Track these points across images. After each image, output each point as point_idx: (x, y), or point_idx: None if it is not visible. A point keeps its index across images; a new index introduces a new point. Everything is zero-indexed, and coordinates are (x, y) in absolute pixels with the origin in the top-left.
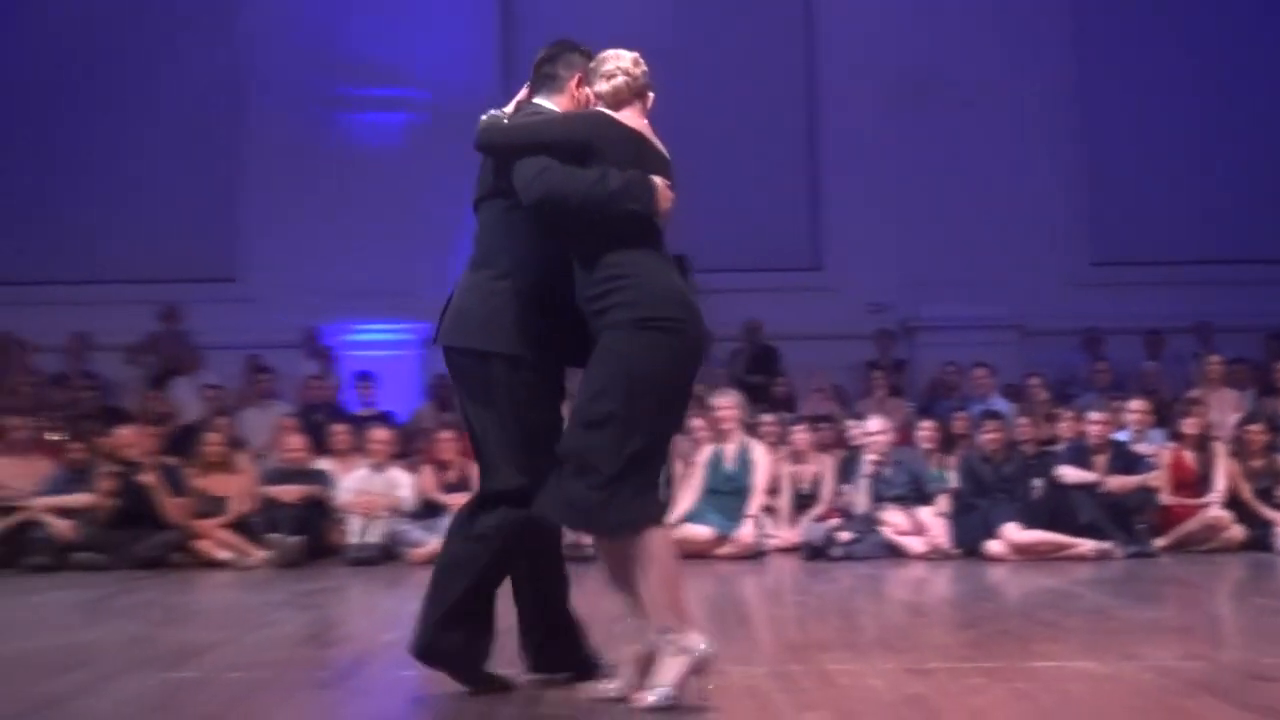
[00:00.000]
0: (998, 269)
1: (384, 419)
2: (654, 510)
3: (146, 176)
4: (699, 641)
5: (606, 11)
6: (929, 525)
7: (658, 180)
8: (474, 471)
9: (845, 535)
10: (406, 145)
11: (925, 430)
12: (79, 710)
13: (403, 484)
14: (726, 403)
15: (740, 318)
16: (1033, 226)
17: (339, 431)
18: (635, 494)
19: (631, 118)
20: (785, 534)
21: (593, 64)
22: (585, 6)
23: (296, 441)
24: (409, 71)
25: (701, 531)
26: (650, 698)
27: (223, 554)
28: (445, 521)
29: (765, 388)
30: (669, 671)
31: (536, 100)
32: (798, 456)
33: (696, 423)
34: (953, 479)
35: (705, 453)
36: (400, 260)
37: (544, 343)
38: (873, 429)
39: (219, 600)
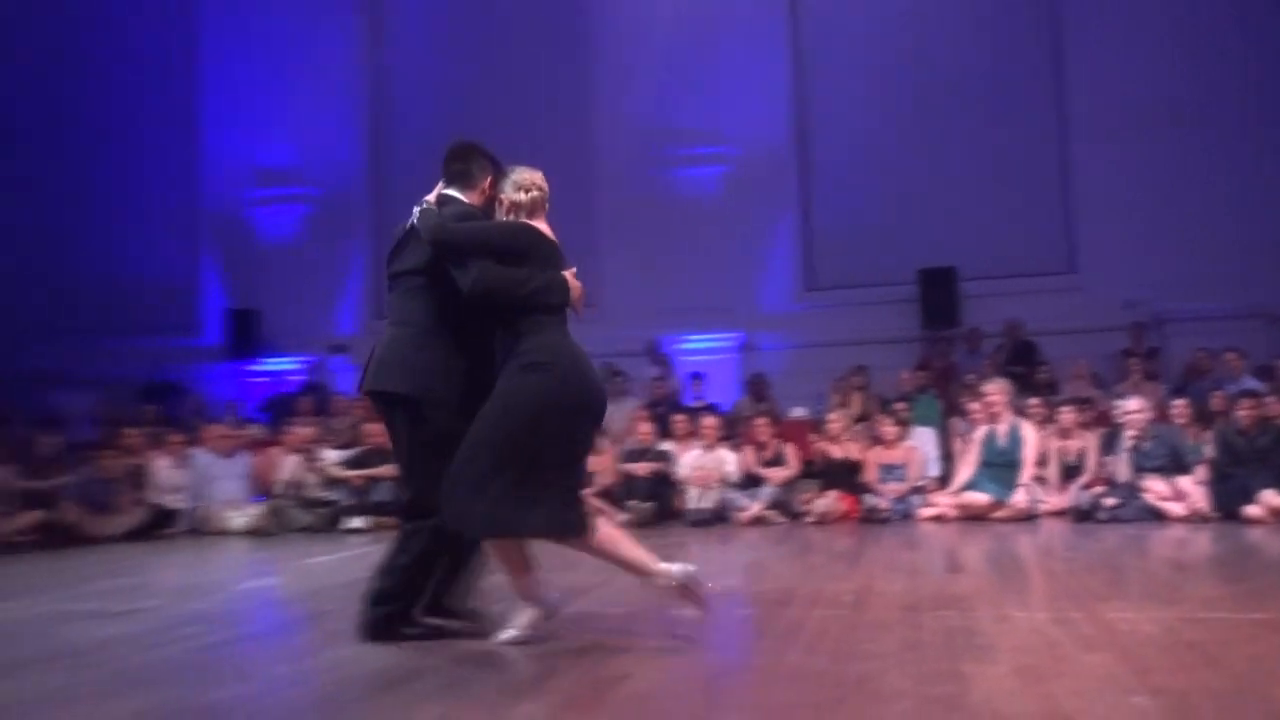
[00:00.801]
0: (1241, 264)
1: (712, 409)
2: (501, 519)
3: None
4: (533, 609)
5: (881, 72)
6: (1189, 491)
7: (573, 282)
8: (787, 450)
9: (1110, 500)
10: (721, 192)
11: (1179, 408)
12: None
13: (729, 460)
14: (995, 389)
15: (1002, 318)
16: (1271, 224)
17: (679, 420)
18: (494, 503)
19: (542, 224)
20: (1055, 500)
21: (511, 175)
22: (863, 68)
23: (646, 428)
24: (721, 133)
25: (980, 498)
26: (505, 635)
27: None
28: (765, 491)
29: (1028, 376)
30: (520, 618)
31: (449, 192)
32: (1064, 433)
33: (972, 406)
34: (1208, 451)
35: (980, 432)
36: (719, 283)
37: (456, 384)
38: (1132, 408)
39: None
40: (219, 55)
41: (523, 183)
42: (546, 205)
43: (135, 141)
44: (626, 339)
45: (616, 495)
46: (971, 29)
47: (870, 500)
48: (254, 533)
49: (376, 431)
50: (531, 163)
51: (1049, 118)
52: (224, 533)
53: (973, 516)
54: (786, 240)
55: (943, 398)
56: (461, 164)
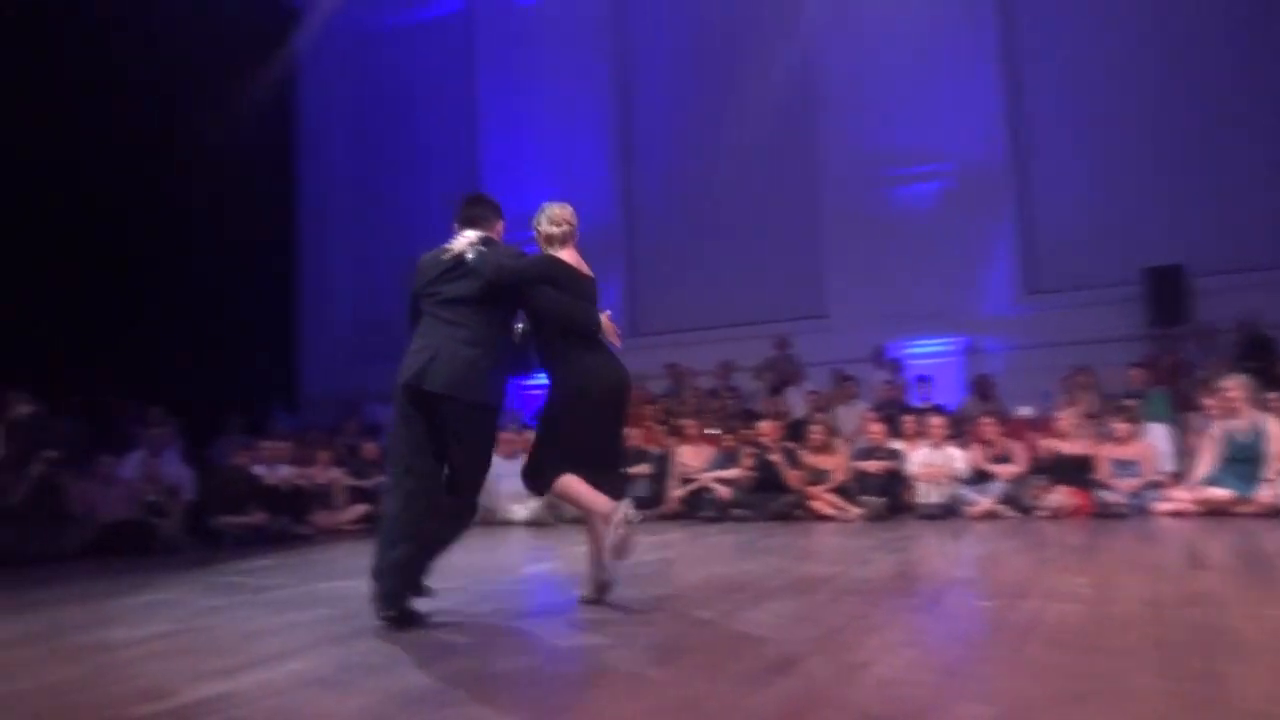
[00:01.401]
0: None
1: (939, 410)
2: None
3: (759, 247)
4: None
5: (1100, 70)
6: None
7: (607, 324)
8: (1014, 447)
9: None
10: (939, 205)
11: None
12: (747, 618)
13: (957, 458)
14: (1233, 384)
15: (1235, 313)
16: None
17: (907, 420)
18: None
19: (571, 255)
20: None
21: (545, 210)
22: (1081, 66)
23: (876, 428)
24: (938, 150)
25: (1221, 493)
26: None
27: (828, 511)
28: (995, 486)
29: (1265, 371)
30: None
31: (468, 233)
32: None
33: (1208, 402)
34: None
35: (1219, 428)
36: (941, 291)
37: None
38: None
39: (830, 544)
40: (494, 119)
41: (555, 218)
42: (575, 237)
43: (432, 191)
44: (855, 345)
45: (849, 491)
46: (1194, 21)
47: (1104, 495)
48: (533, 524)
49: (632, 435)
50: (764, 185)
51: (1274, 101)
52: (508, 523)
53: (1213, 512)
54: (1005, 246)
55: (1173, 394)
56: (479, 210)
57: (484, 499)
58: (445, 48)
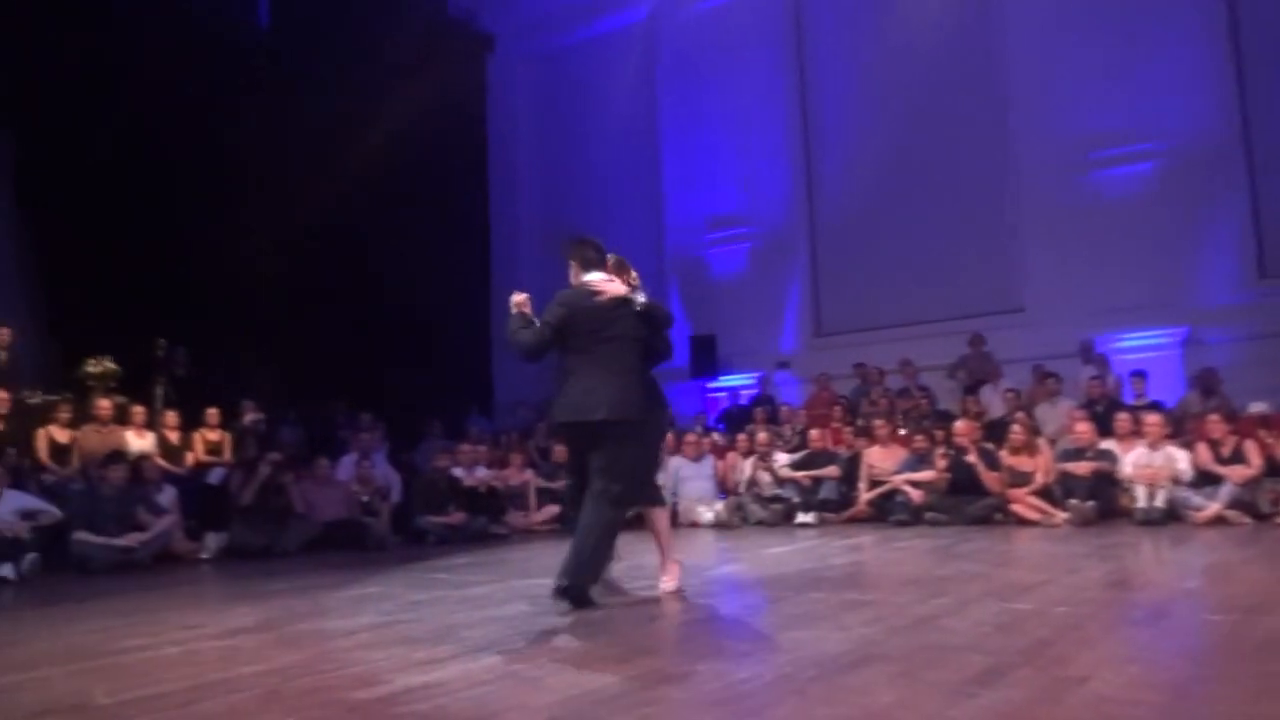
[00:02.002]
0: None
1: (1156, 407)
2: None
3: (946, 241)
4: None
5: None
6: None
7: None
8: (1247, 446)
9: None
10: (1151, 187)
11: None
12: (946, 626)
13: (1180, 458)
14: None
15: None
16: None
17: (1121, 418)
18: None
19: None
20: None
21: (622, 260)
22: None
23: (1084, 428)
24: (1148, 128)
25: None
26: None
27: (1031, 515)
28: (1224, 490)
29: None
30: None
31: (587, 278)
32: None
33: None
34: None
35: None
36: (1155, 279)
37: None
38: None
39: (1034, 550)
40: (674, 123)
41: (632, 271)
42: None
43: (611, 200)
44: (1056, 341)
45: (1054, 494)
46: None
47: None
48: (719, 526)
49: (819, 437)
50: (952, 177)
51: None
52: (695, 525)
53: None
54: (1231, 228)
55: None
56: (595, 254)
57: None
58: (625, 60)
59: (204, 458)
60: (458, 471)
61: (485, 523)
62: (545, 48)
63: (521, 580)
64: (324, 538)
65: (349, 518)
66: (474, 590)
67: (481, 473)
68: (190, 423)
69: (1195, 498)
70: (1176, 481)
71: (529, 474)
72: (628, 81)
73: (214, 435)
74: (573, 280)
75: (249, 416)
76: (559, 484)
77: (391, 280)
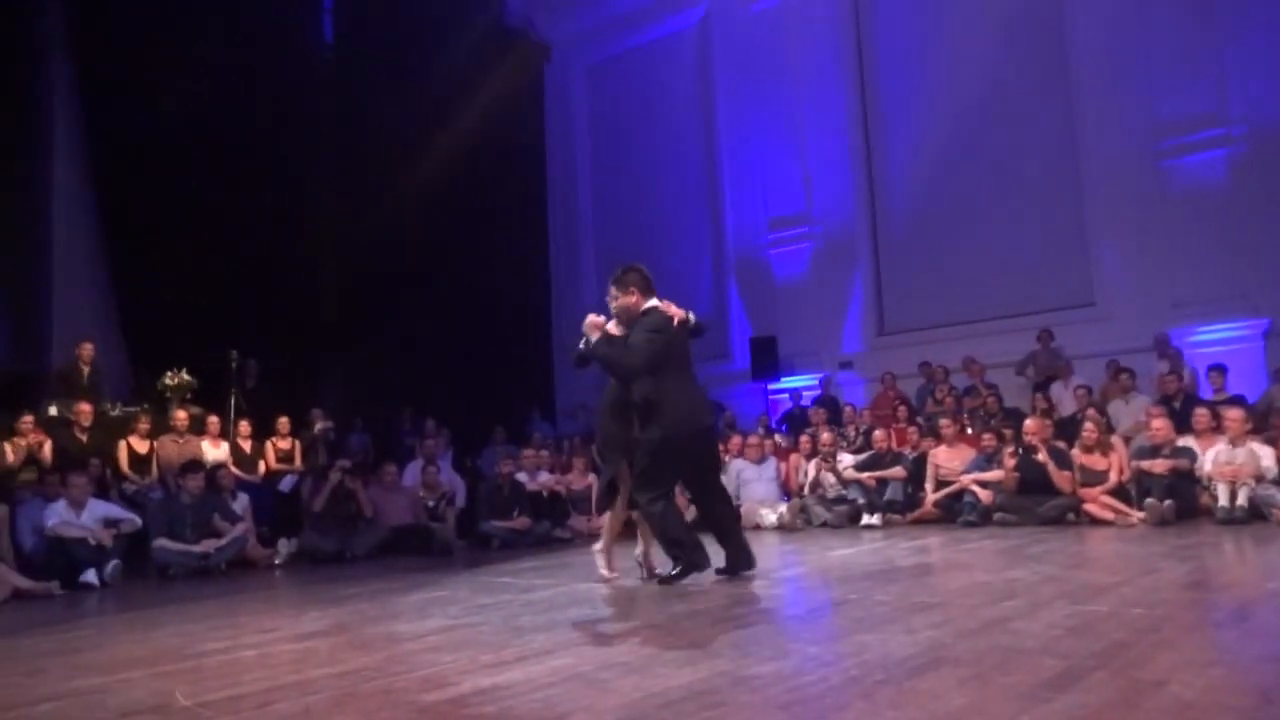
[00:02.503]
0: None
1: (1237, 401)
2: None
3: (1012, 234)
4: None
5: None
6: None
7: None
8: None
9: None
10: (1228, 174)
11: None
12: (1017, 629)
13: (1265, 455)
14: None
15: None
16: None
17: (1200, 414)
18: None
19: None
20: None
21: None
22: None
23: (1160, 424)
24: (1222, 115)
25: None
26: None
27: (1106, 515)
28: None
29: None
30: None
31: (654, 303)
32: None
33: None
34: None
35: None
36: (1232, 269)
37: None
38: None
39: (1109, 551)
40: (731, 124)
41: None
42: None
43: (672, 201)
44: (1129, 335)
45: (1129, 493)
46: None
47: None
48: (783, 528)
49: (883, 437)
50: (1017, 170)
51: None
52: (757, 528)
53: None
54: None
55: None
56: (648, 280)
57: (736, 503)
58: (682, 63)
59: (276, 466)
60: (521, 476)
61: (549, 527)
62: (602, 54)
63: (585, 584)
64: (392, 542)
65: (416, 523)
66: (538, 594)
67: (544, 477)
68: (262, 432)
69: None
70: (1260, 479)
71: (591, 478)
72: (685, 85)
73: (285, 444)
74: (631, 304)
75: (319, 425)
76: None
77: (455, 289)
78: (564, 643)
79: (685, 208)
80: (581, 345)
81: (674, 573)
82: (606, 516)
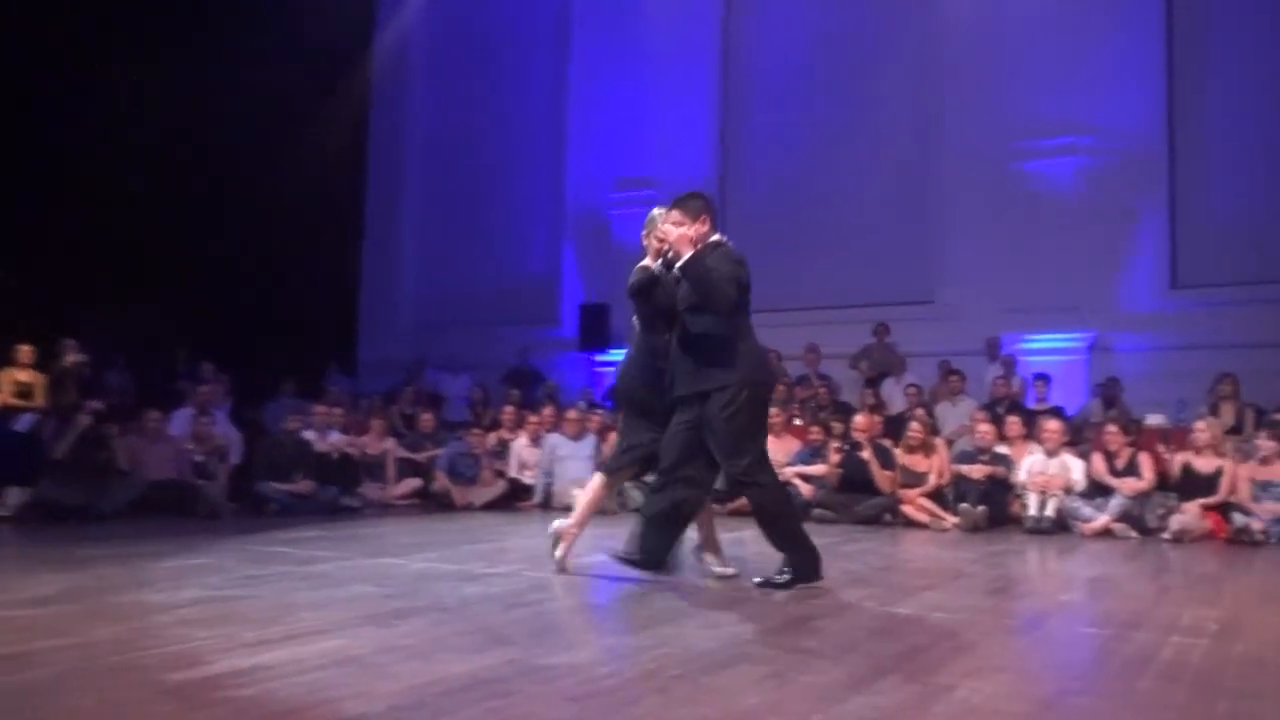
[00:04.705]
0: None
1: (1057, 413)
2: None
3: (862, 224)
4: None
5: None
6: None
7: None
8: (1141, 459)
9: None
10: (1078, 185)
11: None
12: (820, 628)
13: (1075, 468)
14: None
15: None
16: None
17: (1012, 422)
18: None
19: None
20: None
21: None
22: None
23: (986, 429)
24: (1078, 121)
25: None
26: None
27: (921, 518)
28: (1114, 502)
29: None
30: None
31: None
32: None
33: None
34: None
35: None
36: (1070, 280)
37: None
38: None
39: (920, 554)
40: (585, 74)
41: None
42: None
43: (511, 152)
44: (965, 337)
45: (946, 497)
46: None
47: (1241, 519)
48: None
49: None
50: (876, 157)
51: None
52: (570, 508)
53: None
54: (1152, 235)
55: None
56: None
57: (549, 481)
58: (534, 6)
59: (11, 401)
60: (309, 435)
61: (336, 493)
62: None
63: (372, 559)
64: (149, 500)
65: (179, 479)
66: (318, 567)
67: (335, 438)
68: None
69: (1085, 508)
70: (1069, 491)
71: (390, 443)
72: (540, 21)
73: (25, 376)
74: (703, 234)
75: (70, 358)
76: (423, 455)
77: (253, 218)
78: (340, 622)
79: (524, 156)
80: (654, 266)
81: (780, 577)
82: (490, 491)
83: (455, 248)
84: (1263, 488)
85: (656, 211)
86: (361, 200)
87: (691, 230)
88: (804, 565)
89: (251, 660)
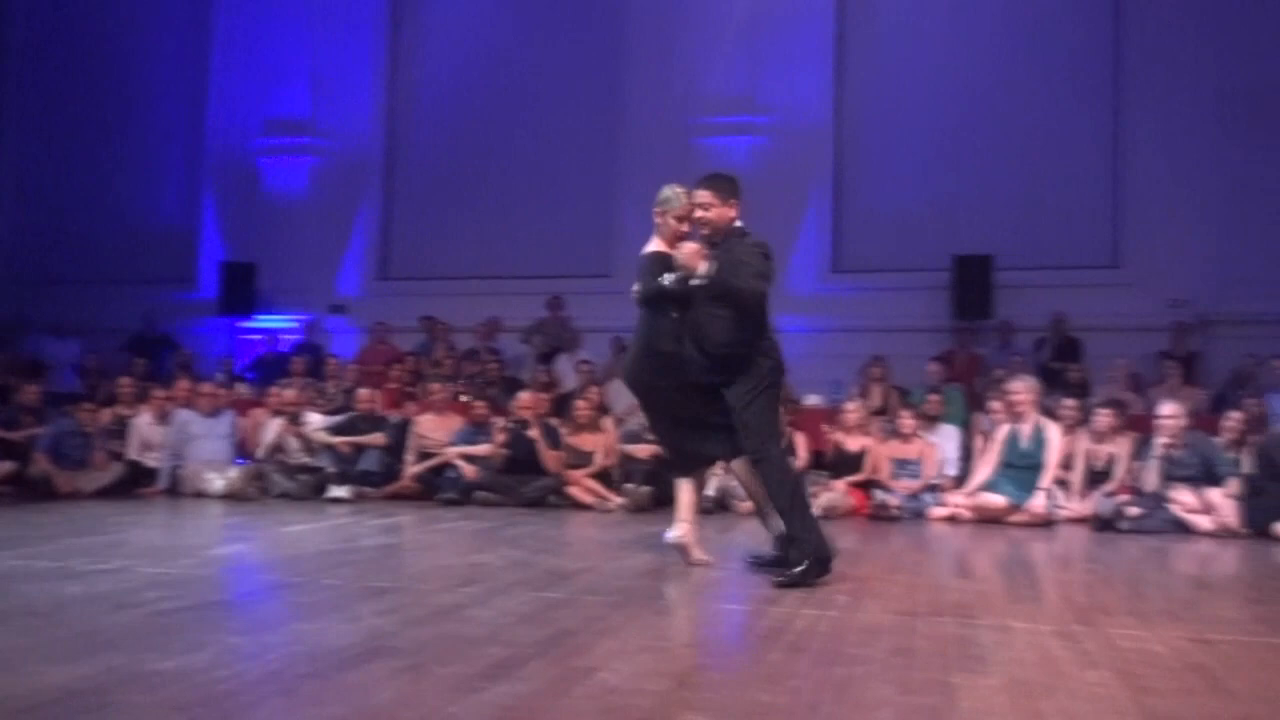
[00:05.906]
0: None
1: None
2: None
3: (540, 192)
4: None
5: (925, 53)
6: (1218, 505)
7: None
8: (796, 439)
9: (1135, 510)
10: (751, 164)
11: (1231, 421)
12: (468, 616)
13: None
14: (1021, 386)
15: (1037, 311)
16: None
17: None
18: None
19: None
20: (1076, 506)
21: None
22: (907, 49)
23: None
24: (754, 102)
25: (996, 500)
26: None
27: (587, 499)
28: None
29: (1062, 374)
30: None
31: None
32: (1098, 437)
33: (994, 405)
34: (1246, 464)
35: (1002, 431)
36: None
37: None
38: (1165, 412)
39: (582, 536)
40: (233, 13)
41: None
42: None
43: (141, 80)
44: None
45: (613, 478)
46: (1022, 12)
47: (880, 496)
48: (233, 496)
49: (368, 397)
50: (559, 125)
51: (1099, 106)
52: (201, 495)
53: (988, 519)
54: (818, 218)
55: (967, 392)
56: None
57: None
58: None
59: None
60: None
61: None
62: None
63: None
64: None
65: None
66: None
67: None
68: None
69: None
70: (728, 472)
71: None
72: None
73: None
74: (731, 218)
75: None
76: (20, 433)
77: None
78: None
79: (160, 82)
80: (669, 281)
81: (795, 570)
82: (103, 476)
83: (68, 186)
84: (901, 465)
85: (673, 190)
86: None
87: (714, 214)
88: (817, 547)
89: None
